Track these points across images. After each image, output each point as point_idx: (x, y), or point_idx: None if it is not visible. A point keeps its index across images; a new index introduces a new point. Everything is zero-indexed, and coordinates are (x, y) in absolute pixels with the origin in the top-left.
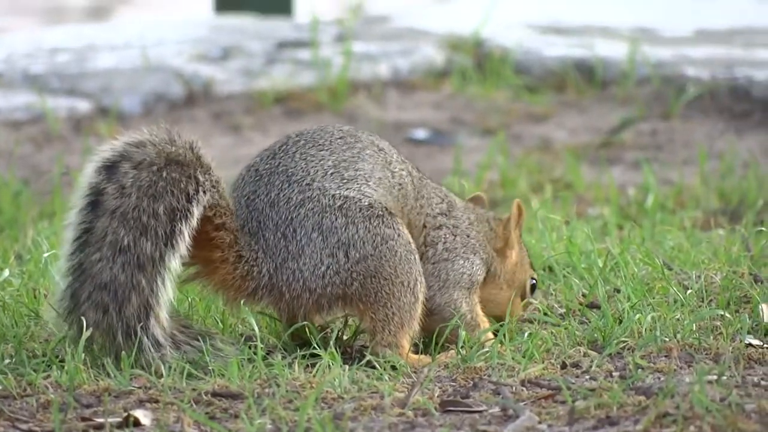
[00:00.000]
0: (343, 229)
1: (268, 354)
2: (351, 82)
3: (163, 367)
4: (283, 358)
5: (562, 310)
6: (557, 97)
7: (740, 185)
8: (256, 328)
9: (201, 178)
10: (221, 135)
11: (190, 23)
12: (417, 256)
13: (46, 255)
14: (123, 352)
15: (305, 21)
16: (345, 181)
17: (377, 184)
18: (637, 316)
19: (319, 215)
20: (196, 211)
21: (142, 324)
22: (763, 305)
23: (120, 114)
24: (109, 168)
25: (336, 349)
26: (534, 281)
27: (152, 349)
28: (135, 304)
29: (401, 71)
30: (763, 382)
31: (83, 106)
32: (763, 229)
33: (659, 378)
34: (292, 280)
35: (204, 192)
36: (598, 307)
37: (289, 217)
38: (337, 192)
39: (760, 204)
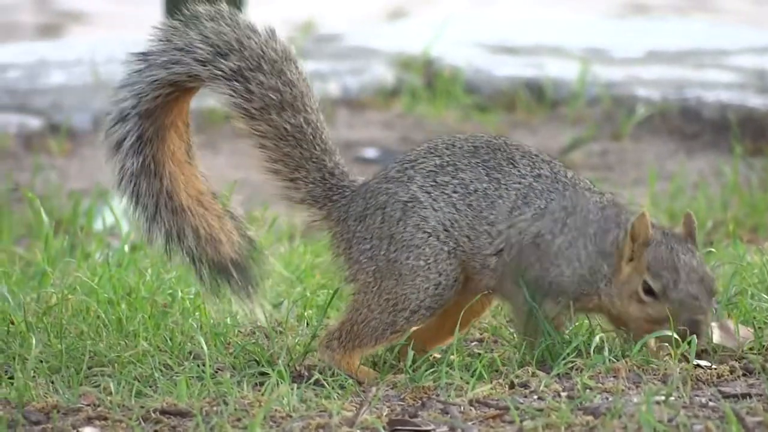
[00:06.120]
0: (396, 223)
1: (216, 372)
2: None
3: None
4: (232, 376)
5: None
6: (507, 116)
7: (690, 206)
8: (205, 346)
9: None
10: None
11: (140, 39)
12: (438, 290)
13: None
14: None
15: None
16: (433, 184)
17: (462, 196)
18: (585, 336)
19: (390, 198)
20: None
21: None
22: (713, 325)
23: (71, 130)
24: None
25: (285, 367)
26: (647, 284)
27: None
28: None
29: (351, 90)
30: (710, 403)
31: (34, 122)
32: (712, 250)
33: (607, 398)
34: (341, 239)
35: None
36: None
37: (378, 187)
38: (416, 190)
39: (709, 225)
